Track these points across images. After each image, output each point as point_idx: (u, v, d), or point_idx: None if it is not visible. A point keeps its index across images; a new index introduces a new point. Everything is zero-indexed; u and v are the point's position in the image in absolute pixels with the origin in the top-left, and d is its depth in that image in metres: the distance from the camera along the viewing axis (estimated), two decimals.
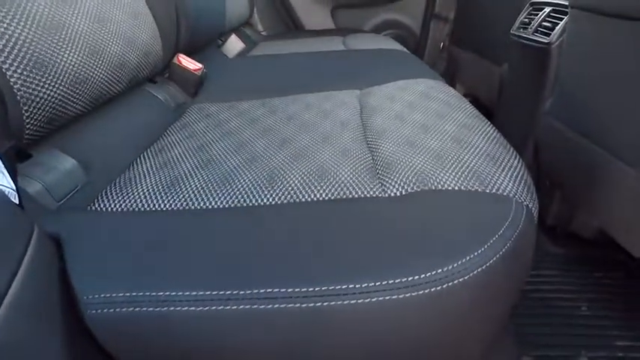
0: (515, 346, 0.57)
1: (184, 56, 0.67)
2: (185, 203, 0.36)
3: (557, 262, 0.77)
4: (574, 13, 0.66)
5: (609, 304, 0.67)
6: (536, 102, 0.79)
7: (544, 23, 0.77)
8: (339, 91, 0.63)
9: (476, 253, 0.26)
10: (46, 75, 0.36)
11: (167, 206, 0.35)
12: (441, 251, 0.27)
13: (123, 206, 0.36)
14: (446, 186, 0.35)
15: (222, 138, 0.49)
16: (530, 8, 0.85)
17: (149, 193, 0.37)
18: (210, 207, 0.35)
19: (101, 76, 0.44)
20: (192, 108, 0.62)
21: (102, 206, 0.36)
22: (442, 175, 0.36)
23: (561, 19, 0.74)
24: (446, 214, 0.32)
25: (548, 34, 0.75)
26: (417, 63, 0.82)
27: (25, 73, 0.33)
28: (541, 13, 0.80)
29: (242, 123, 0.53)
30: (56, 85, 0.37)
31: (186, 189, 0.37)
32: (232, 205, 0.35)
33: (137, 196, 0.37)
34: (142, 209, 0.35)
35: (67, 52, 0.39)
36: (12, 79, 0.32)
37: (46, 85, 0.36)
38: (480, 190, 0.34)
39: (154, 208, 0.35)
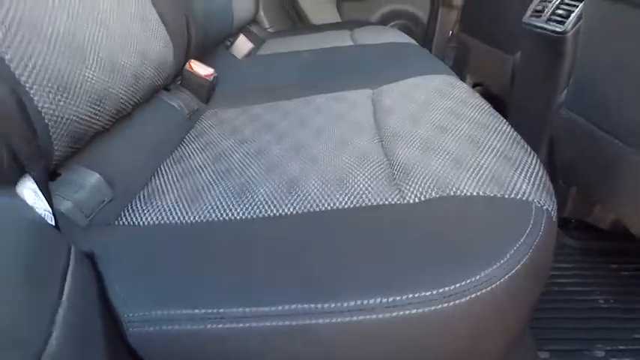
0: (533, 341, 0.57)
1: (195, 62, 0.68)
2: (209, 215, 0.37)
3: (574, 254, 0.77)
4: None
5: (626, 296, 0.67)
6: (551, 93, 0.78)
7: (558, 11, 0.75)
8: (350, 91, 0.63)
9: (499, 263, 0.27)
10: (70, 95, 0.37)
11: (192, 219, 0.36)
12: (465, 262, 0.27)
13: (150, 220, 0.37)
14: (465, 191, 0.35)
15: (239, 146, 0.49)
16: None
17: (173, 206, 0.38)
18: (232, 218, 0.36)
19: (120, 91, 0.44)
20: (207, 114, 0.62)
21: (130, 220, 0.37)
22: (460, 180, 0.36)
23: (576, 7, 0.72)
24: (466, 222, 0.32)
25: (562, 22, 0.73)
26: (428, 57, 0.81)
27: (51, 95, 0.34)
28: (551, 1, 0.78)
29: (256, 129, 0.54)
30: (80, 105, 0.38)
31: (208, 200, 0.38)
32: (254, 216, 0.36)
33: (163, 209, 0.38)
34: (169, 222, 0.36)
35: (89, 70, 0.39)
36: (39, 103, 0.33)
37: (71, 105, 0.37)
38: (499, 195, 0.34)
39: (180, 221, 0.36)
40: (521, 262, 0.28)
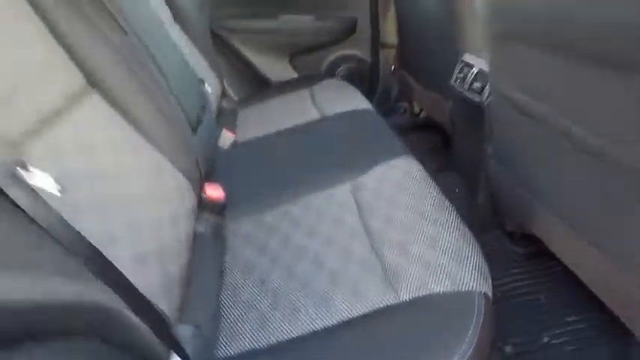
0: None
1: (207, 185, 0.84)
2: (276, 337, 0.55)
3: (519, 260, 1.01)
4: (492, 83, 0.87)
5: (559, 289, 0.92)
6: (483, 141, 1.00)
7: (475, 84, 0.97)
8: (335, 188, 0.82)
9: (461, 350, 0.47)
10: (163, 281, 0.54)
11: (266, 343, 0.54)
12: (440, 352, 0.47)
13: (239, 351, 0.54)
14: (432, 290, 0.55)
15: (272, 265, 0.67)
16: (462, 64, 1.05)
17: (250, 335, 0.56)
18: (294, 337, 0.54)
19: (168, 248, 0.61)
20: (230, 232, 0.79)
21: (225, 355, 0.55)
22: (430, 281, 0.56)
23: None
24: (435, 318, 0.52)
25: (480, 93, 0.95)
26: (385, 133, 1.01)
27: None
28: (471, 72, 1.00)
29: (278, 244, 0.72)
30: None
31: (273, 324, 0.56)
32: (307, 332, 0.54)
33: (242, 340, 0.56)
34: (253, 349, 0.54)
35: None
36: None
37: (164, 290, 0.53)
38: (453, 290, 0.55)
39: (260, 347, 0.54)
40: (473, 344, 0.48)
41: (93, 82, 0.62)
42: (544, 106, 0.67)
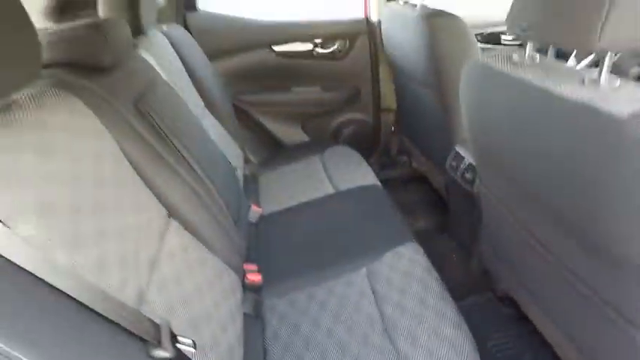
0: None
1: (247, 267, 1.01)
2: None
3: (507, 320, 1.19)
4: (480, 176, 1.06)
5: (546, 349, 1.09)
6: (473, 218, 1.19)
7: (466, 174, 1.16)
8: (352, 274, 1.00)
9: None
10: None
11: None
12: None
13: None
14: None
15: (305, 348, 0.84)
16: (455, 153, 1.24)
17: None
18: None
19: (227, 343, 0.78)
20: (267, 310, 0.96)
21: None
22: None
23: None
24: None
25: (472, 183, 1.14)
26: (392, 214, 1.19)
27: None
28: (463, 163, 1.19)
29: (309, 326, 0.89)
30: None
31: None
32: None
33: None
34: None
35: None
36: None
37: None
38: None
39: None
40: None
41: (171, 213, 0.79)
42: (524, 213, 0.85)
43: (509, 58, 0.70)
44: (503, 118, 0.72)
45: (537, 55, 0.67)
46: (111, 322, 0.46)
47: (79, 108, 0.65)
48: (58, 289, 0.42)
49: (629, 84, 0.53)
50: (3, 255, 0.40)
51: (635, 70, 1.39)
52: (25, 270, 0.41)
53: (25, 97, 0.57)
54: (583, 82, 0.55)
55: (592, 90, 0.53)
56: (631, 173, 0.48)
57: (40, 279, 0.41)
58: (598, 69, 0.54)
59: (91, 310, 0.44)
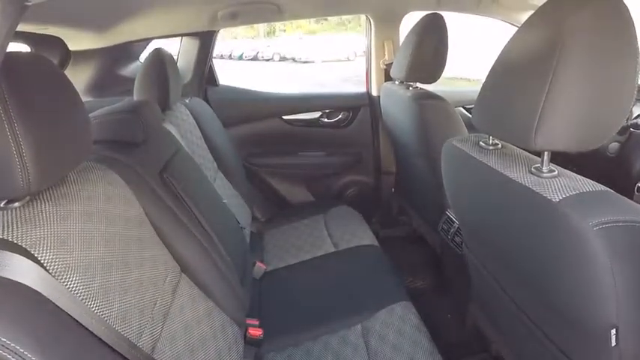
0: None
1: (249, 322, 1.08)
2: None
3: None
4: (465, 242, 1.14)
5: None
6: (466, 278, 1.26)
7: (456, 238, 1.25)
8: (347, 330, 1.06)
9: None
10: None
11: None
12: None
13: None
14: None
15: None
16: (446, 217, 1.34)
17: None
18: None
19: None
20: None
21: None
22: None
23: None
24: None
25: (461, 246, 1.22)
26: (387, 272, 1.27)
27: None
28: (453, 227, 1.29)
29: None
30: None
31: None
32: None
33: None
34: None
35: None
36: None
37: None
38: None
39: None
40: None
41: (183, 268, 0.90)
42: (502, 278, 0.93)
43: (477, 143, 0.83)
44: (473, 195, 0.84)
45: (499, 142, 0.80)
46: None
47: (114, 179, 0.79)
48: (92, 333, 0.52)
49: (566, 173, 0.65)
50: (52, 301, 0.51)
51: (613, 146, 1.51)
52: (67, 313, 0.51)
53: (74, 172, 0.71)
54: (530, 170, 0.67)
55: (536, 177, 0.65)
56: (562, 245, 0.57)
57: (79, 323, 0.51)
58: (541, 159, 0.66)
59: (117, 352, 0.53)
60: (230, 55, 11.37)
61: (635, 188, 1.38)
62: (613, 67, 0.59)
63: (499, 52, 0.72)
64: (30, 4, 0.44)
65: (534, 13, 0.66)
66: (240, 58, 11.20)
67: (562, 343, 0.72)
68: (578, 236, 0.54)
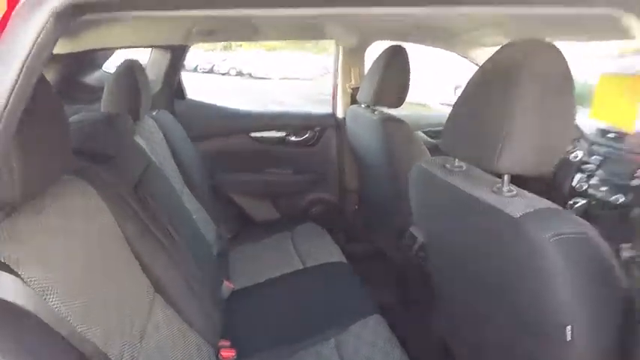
0: None
1: (221, 343, 1.06)
2: None
3: None
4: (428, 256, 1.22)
5: None
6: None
7: (420, 253, 1.33)
8: (321, 346, 1.08)
9: None
10: None
11: None
12: None
13: None
14: None
15: None
16: (409, 234, 1.42)
17: None
18: None
19: None
20: None
21: None
22: None
23: None
24: None
25: (425, 261, 1.30)
26: (356, 287, 1.31)
27: None
28: (416, 243, 1.36)
29: None
30: None
31: None
32: None
33: None
34: None
35: None
36: None
37: None
38: None
39: None
40: None
41: (157, 288, 0.87)
42: (467, 295, 1.00)
43: (443, 165, 0.91)
44: (439, 213, 0.91)
45: (463, 164, 0.89)
46: None
47: (90, 192, 0.77)
48: (80, 351, 0.51)
49: (523, 193, 0.74)
50: (38, 316, 0.49)
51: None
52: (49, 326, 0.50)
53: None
54: (492, 189, 0.75)
55: (497, 195, 0.73)
56: (523, 256, 0.65)
57: (67, 341, 0.50)
58: (501, 180, 0.75)
59: None
60: (184, 66, 10.92)
61: (567, 205, 1.56)
62: (558, 102, 0.69)
63: (464, 85, 0.81)
64: None
65: (494, 54, 0.76)
66: (195, 70, 10.96)
67: (524, 350, 0.80)
68: (537, 247, 0.62)
